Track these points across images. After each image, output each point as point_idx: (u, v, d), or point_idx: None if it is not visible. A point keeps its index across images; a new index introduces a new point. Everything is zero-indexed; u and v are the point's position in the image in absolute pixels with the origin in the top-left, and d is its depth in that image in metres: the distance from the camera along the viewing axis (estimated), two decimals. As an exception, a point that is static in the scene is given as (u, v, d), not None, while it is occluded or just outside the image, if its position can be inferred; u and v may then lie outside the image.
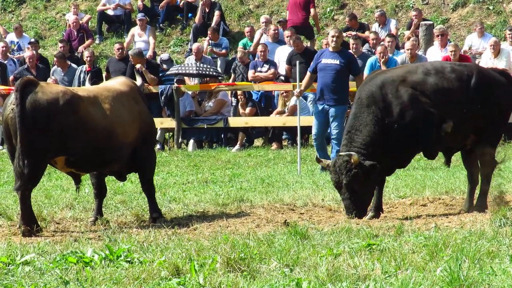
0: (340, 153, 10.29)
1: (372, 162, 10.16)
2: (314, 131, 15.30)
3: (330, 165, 10.46)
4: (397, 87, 10.36)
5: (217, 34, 23.67)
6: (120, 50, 21.75)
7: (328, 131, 15.67)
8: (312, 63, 15.49)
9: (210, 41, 23.45)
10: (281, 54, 21.49)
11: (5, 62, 22.52)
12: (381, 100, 10.32)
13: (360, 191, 10.30)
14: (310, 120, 20.00)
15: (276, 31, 22.27)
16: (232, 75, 21.68)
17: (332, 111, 15.01)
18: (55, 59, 22.56)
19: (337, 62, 14.95)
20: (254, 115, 20.66)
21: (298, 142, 16.82)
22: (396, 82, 10.39)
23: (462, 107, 10.45)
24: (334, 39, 15.08)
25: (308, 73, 15.50)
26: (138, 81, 11.36)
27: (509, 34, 20.54)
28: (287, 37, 21.69)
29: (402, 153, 10.50)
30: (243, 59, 21.59)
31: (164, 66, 21.88)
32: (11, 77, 21.91)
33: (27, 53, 22.55)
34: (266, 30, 22.87)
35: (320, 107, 15.14)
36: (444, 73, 10.51)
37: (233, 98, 21.14)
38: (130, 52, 21.38)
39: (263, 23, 23.32)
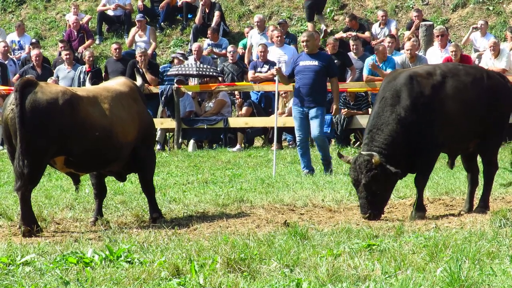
0: (362, 152, 10.21)
1: (395, 170, 10.10)
2: (298, 136, 15.06)
3: (351, 162, 10.38)
4: (422, 88, 10.34)
5: (217, 35, 23.67)
6: (118, 50, 21.79)
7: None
8: (289, 67, 15.39)
9: (210, 42, 23.45)
10: (270, 54, 21.44)
11: (6, 62, 22.53)
12: (406, 99, 10.28)
13: (378, 192, 10.23)
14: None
15: (280, 37, 22.00)
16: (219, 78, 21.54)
17: (311, 112, 14.82)
18: (62, 49, 22.54)
19: (316, 63, 14.80)
20: (251, 115, 20.66)
21: (275, 142, 16.58)
22: (420, 83, 10.37)
23: (474, 108, 10.50)
24: (305, 43, 14.97)
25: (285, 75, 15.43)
26: (139, 81, 11.36)
27: (510, 36, 20.54)
28: (277, 37, 21.63)
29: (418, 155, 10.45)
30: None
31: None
32: (16, 76, 21.92)
33: (34, 52, 22.55)
34: (263, 30, 22.87)
35: (300, 110, 14.92)
36: (460, 76, 10.54)
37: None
38: (137, 51, 21.46)
39: (256, 22, 23.27)
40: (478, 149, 10.79)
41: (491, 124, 10.65)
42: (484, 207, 10.69)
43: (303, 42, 15.10)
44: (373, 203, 10.23)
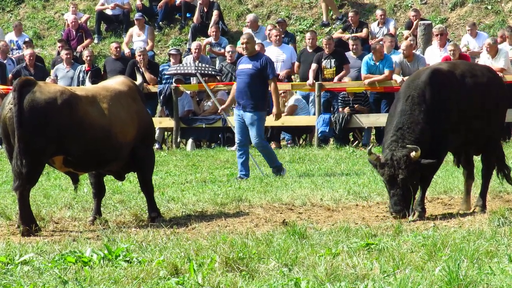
0: (408, 146, 9.97)
1: (432, 160, 9.99)
2: (236, 139, 14.80)
3: (384, 159, 10.09)
4: (443, 86, 10.32)
5: (218, 33, 23.68)
6: (118, 49, 21.81)
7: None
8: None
9: (212, 41, 23.43)
10: (269, 54, 21.40)
11: (5, 61, 22.51)
12: (431, 98, 10.20)
13: (411, 188, 10.08)
14: (309, 120, 20.14)
15: (278, 37, 21.89)
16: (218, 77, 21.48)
17: (247, 117, 14.47)
18: (61, 49, 22.55)
19: (250, 66, 14.46)
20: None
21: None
22: (442, 81, 10.35)
23: (487, 109, 10.55)
24: (244, 45, 14.63)
25: (234, 83, 15.12)
26: (139, 79, 11.37)
27: (507, 35, 20.55)
28: (276, 36, 21.62)
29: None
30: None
31: None
32: (9, 75, 21.91)
33: (27, 51, 22.51)
34: (256, 29, 22.87)
35: (238, 113, 14.66)
36: (478, 77, 10.55)
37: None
38: (137, 51, 21.48)
39: (248, 22, 23.23)
40: (479, 148, 10.83)
41: (496, 122, 10.73)
42: (482, 206, 10.70)
43: (242, 44, 14.76)
44: (406, 200, 10.05)
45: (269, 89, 14.66)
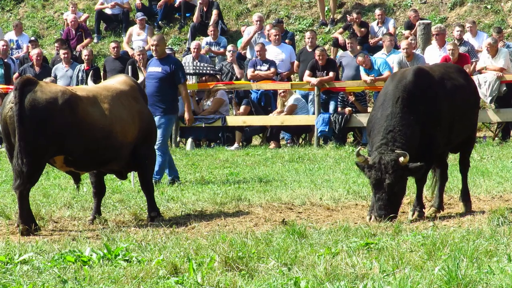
0: (397, 151, 9.87)
1: (420, 164, 9.88)
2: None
3: (372, 161, 9.96)
4: (433, 87, 10.29)
5: (217, 32, 23.67)
6: (116, 49, 21.80)
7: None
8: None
9: (210, 40, 23.43)
10: (268, 53, 21.41)
11: (6, 60, 22.49)
12: (421, 99, 10.15)
13: (399, 193, 10.03)
14: (309, 119, 20.14)
15: (278, 36, 21.88)
16: (218, 76, 21.45)
17: (156, 120, 13.73)
18: (59, 49, 22.52)
19: (159, 69, 14.11)
20: (249, 114, 20.65)
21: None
22: (433, 82, 10.31)
23: (466, 109, 10.59)
24: (154, 47, 14.27)
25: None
26: (141, 77, 11.37)
27: (496, 35, 20.60)
28: (275, 35, 21.61)
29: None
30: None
31: None
32: (15, 75, 21.91)
33: (34, 51, 22.49)
34: (261, 29, 22.83)
35: None
36: (454, 79, 10.56)
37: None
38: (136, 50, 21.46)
39: (256, 21, 23.20)
40: (457, 147, 10.91)
41: (474, 123, 10.84)
42: (468, 200, 10.76)
43: (152, 46, 14.39)
44: (393, 205, 9.97)
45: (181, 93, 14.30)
